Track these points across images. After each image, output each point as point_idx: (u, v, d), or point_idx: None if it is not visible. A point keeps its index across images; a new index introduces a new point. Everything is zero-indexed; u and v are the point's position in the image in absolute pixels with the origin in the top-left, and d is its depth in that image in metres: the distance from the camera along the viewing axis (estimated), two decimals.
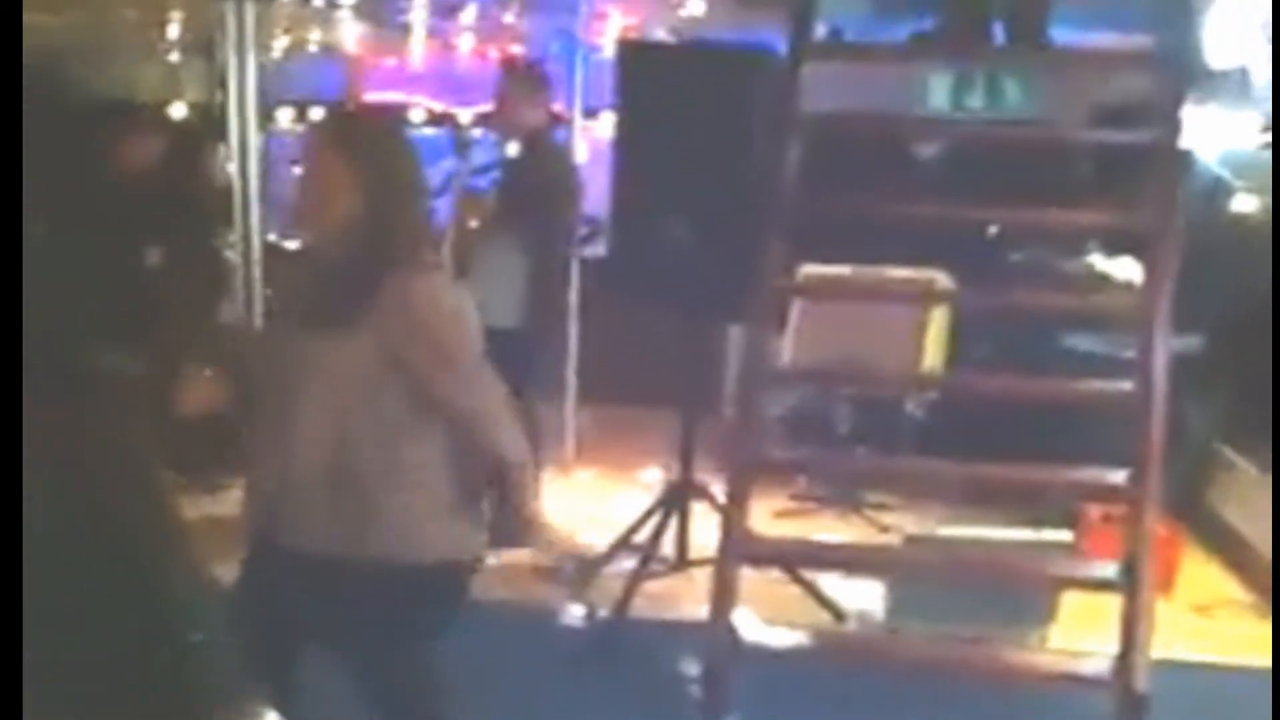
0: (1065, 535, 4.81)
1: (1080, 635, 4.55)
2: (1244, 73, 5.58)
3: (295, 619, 2.89)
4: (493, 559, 5.06)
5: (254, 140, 4.16)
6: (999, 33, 4.90)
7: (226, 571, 3.49)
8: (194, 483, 5.98)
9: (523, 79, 5.84)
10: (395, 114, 7.45)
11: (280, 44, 7.32)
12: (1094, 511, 5.32)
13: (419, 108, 8.12)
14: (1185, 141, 4.50)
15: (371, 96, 8.07)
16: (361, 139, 2.86)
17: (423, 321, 2.74)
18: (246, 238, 4.24)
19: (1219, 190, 5.95)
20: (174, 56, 7.42)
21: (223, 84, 4.50)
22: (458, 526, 2.92)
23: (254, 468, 2.99)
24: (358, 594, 2.81)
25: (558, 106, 6.28)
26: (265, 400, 2.89)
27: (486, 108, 6.49)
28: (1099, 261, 6.36)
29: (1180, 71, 4.45)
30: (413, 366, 2.73)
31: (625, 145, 4.98)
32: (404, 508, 2.82)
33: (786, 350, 5.92)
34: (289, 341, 2.83)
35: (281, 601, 2.88)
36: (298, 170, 2.90)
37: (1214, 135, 5.87)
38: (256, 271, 4.22)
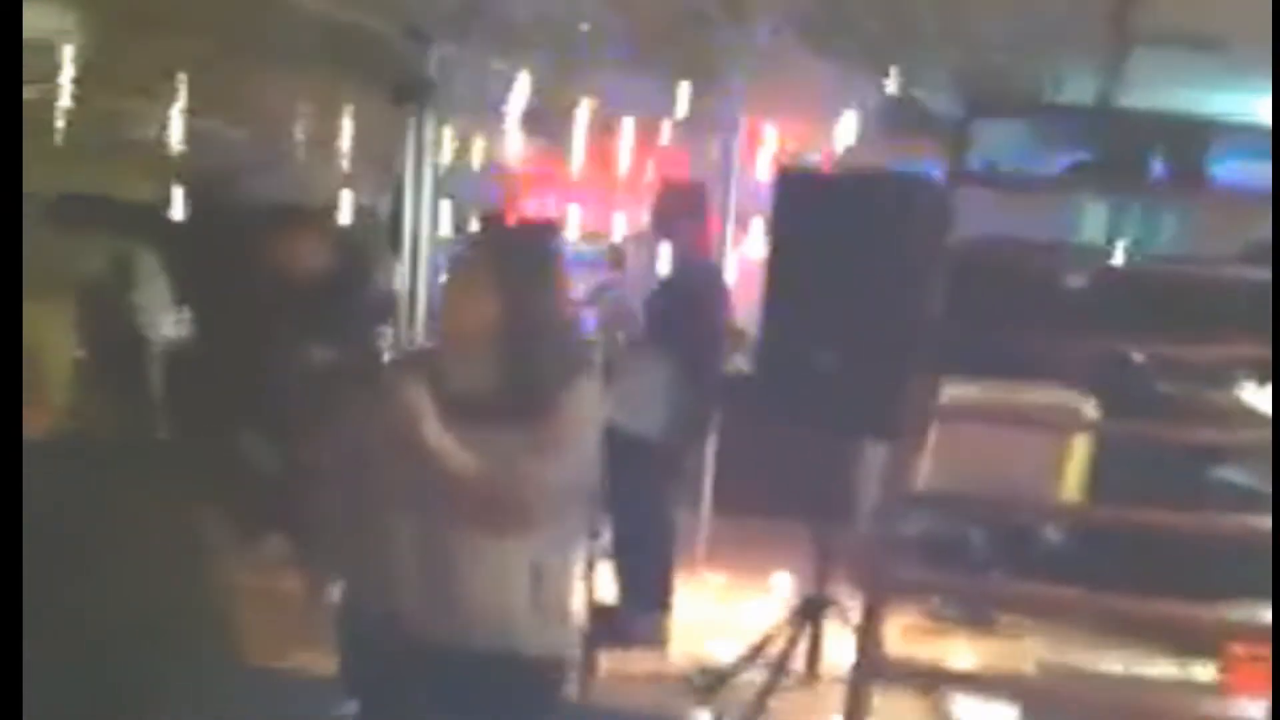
0: (1210, 671, 4.70)
1: None
2: None
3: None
4: (620, 664, 5.20)
5: (426, 247, 4.33)
6: (1157, 167, 4.92)
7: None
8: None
9: (679, 196, 6.00)
10: (547, 227, 7.64)
11: (446, 152, 7.59)
12: (1240, 648, 5.20)
13: (574, 221, 8.35)
14: None
15: (529, 207, 8.34)
16: (517, 258, 3.00)
17: (573, 421, 2.88)
18: (402, 340, 4.38)
19: None
20: (345, 162, 7.74)
21: (395, 190, 4.68)
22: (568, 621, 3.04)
23: (388, 560, 2.95)
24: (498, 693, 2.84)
25: (711, 224, 6.43)
26: (401, 494, 2.89)
27: (640, 223, 6.66)
28: (1248, 393, 6.27)
29: None
30: (546, 451, 2.82)
31: (778, 269, 5.06)
32: (554, 599, 2.92)
33: (924, 471, 5.91)
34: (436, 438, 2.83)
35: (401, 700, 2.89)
36: (448, 280, 3.03)
37: None
38: None
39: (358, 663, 3.01)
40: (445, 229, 8.15)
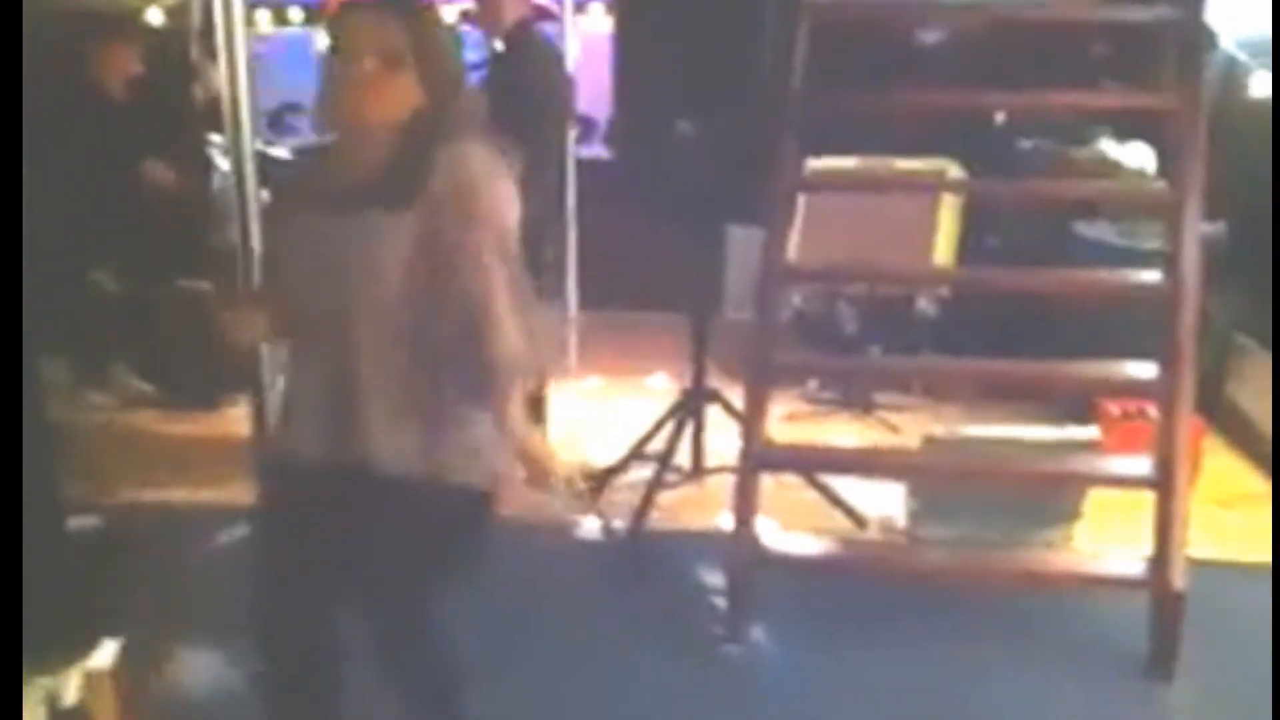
0: (1091, 432, 4.68)
1: (1102, 531, 4.47)
2: None
3: (317, 558, 2.64)
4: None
5: (242, 44, 3.92)
6: None
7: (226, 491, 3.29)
8: (189, 401, 5.91)
9: None
10: None
11: None
12: (1112, 408, 5.21)
13: None
14: (1208, 19, 4.32)
15: None
16: (412, 23, 2.58)
17: (468, 183, 2.54)
18: (238, 146, 4.00)
19: (1236, 73, 5.75)
20: None
21: None
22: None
23: (290, 377, 2.77)
24: (401, 518, 2.61)
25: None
26: (293, 302, 2.64)
27: (467, 4, 6.23)
28: (1110, 148, 6.18)
29: None
30: (447, 233, 2.53)
31: (627, 42, 4.75)
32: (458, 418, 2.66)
33: (792, 250, 5.75)
34: (323, 236, 2.57)
35: (305, 535, 2.65)
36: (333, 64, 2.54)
37: (1230, 15, 5.65)
38: (250, 183, 4.00)
39: (265, 492, 2.84)
40: (264, 25, 7.66)
